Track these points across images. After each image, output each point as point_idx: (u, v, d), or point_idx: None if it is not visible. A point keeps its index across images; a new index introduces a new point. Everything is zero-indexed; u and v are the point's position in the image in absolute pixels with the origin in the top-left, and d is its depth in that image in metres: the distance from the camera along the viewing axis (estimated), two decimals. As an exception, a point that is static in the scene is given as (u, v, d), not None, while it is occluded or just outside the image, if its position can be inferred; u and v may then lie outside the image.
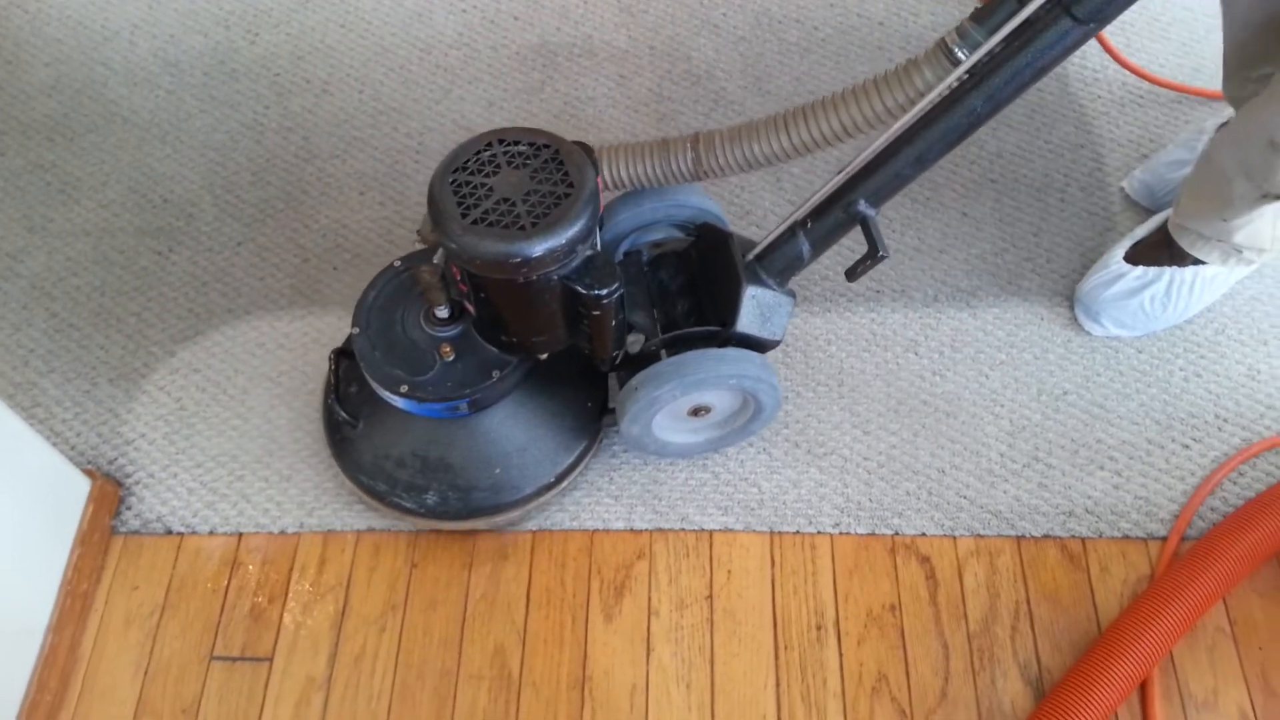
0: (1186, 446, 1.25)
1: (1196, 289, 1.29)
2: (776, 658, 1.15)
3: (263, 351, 1.37)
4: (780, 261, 1.10)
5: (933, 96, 0.95)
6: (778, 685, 1.13)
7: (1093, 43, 1.61)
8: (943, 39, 0.94)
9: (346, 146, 1.56)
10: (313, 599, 1.20)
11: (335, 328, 1.38)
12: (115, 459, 1.30)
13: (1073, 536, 1.20)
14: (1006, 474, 1.24)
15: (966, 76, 0.93)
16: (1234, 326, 1.34)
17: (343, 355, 1.19)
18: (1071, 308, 1.36)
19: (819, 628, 1.16)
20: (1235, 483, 1.23)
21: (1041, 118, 1.54)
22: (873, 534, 1.22)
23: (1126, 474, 1.24)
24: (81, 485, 1.22)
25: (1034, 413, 1.28)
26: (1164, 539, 1.19)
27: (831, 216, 1.04)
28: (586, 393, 1.23)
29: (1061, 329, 1.34)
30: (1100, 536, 1.20)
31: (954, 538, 1.21)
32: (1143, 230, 1.36)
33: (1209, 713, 1.10)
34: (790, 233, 1.08)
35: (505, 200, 0.97)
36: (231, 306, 1.41)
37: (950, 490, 1.24)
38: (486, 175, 0.99)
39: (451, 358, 1.09)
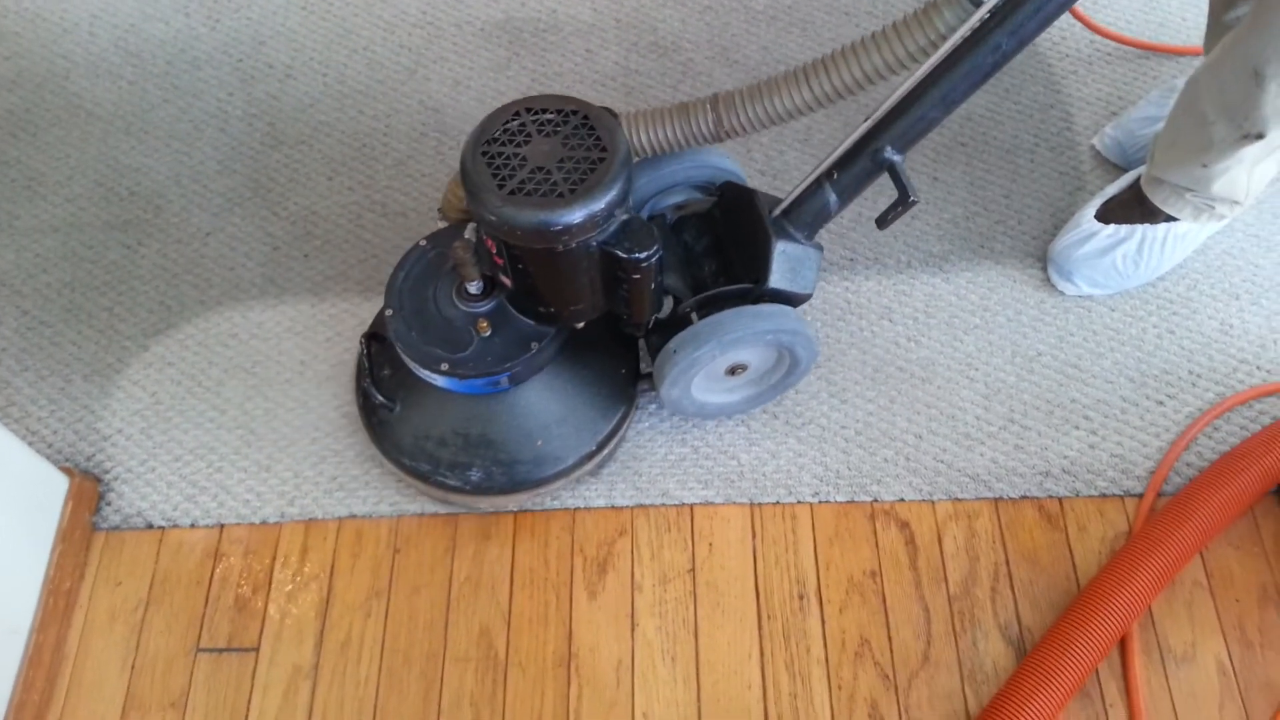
0: (1161, 403, 1.26)
1: (1168, 246, 1.30)
2: (760, 628, 1.16)
3: (236, 342, 1.36)
4: (808, 214, 1.10)
5: (957, 38, 0.94)
6: (762, 655, 1.14)
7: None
8: None
9: (312, 131, 1.54)
10: (297, 588, 1.20)
11: (309, 315, 1.37)
12: (93, 455, 1.29)
13: (1050, 497, 1.21)
14: (983, 437, 1.25)
15: (989, 15, 0.92)
16: (1206, 282, 1.35)
17: (373, 339, 1.18)
18: (1044, 268, 1.36)
19: (801, 596, 1.17)
20: (1210, 438, 1.24)
21: (1010, 79, 1.53)
22: (852, 501, 1.22)
23: (1102, 433, 1.24)
24: (60, 483, 1.22)
25: (1009, 375, 1.29)
26: (1140, 496, 1.20)
27: (858, 165, 1.04)
28: (619, 360, 1.23)
29: (1034, 290, 1.35)
30: (1077, 496, 1.21)
31: (932, 502, 1.22)
32: (1113, 188, 1.36)
33: (1188, 666, 1.11)
34: (816, 184, 1.07)
35: (540, 169, 0.96)
36: (203, 298, 1.40)
37: (927, 455, 1.24)
38: (518, 145, 0.98)
39: (489, 333, 1.09)
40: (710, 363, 1.12)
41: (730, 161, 1.25)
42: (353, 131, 1.54)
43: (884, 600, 1.17)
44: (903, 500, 1.22)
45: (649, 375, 1.21)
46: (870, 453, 1.25)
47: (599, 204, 0.95)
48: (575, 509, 1.23)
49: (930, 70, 0.96)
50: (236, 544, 1.23)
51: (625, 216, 1.00)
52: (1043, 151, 1.47)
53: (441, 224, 1.22)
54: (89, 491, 1.25)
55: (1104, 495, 1.21)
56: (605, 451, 1.21)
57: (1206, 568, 1.17)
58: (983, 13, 0.92)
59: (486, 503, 1.21)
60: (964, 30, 0.93)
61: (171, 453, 1.29)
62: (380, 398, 1.17)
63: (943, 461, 1.24)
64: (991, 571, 1.17)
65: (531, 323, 1.10)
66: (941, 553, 1.19)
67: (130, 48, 1.65)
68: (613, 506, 1.23)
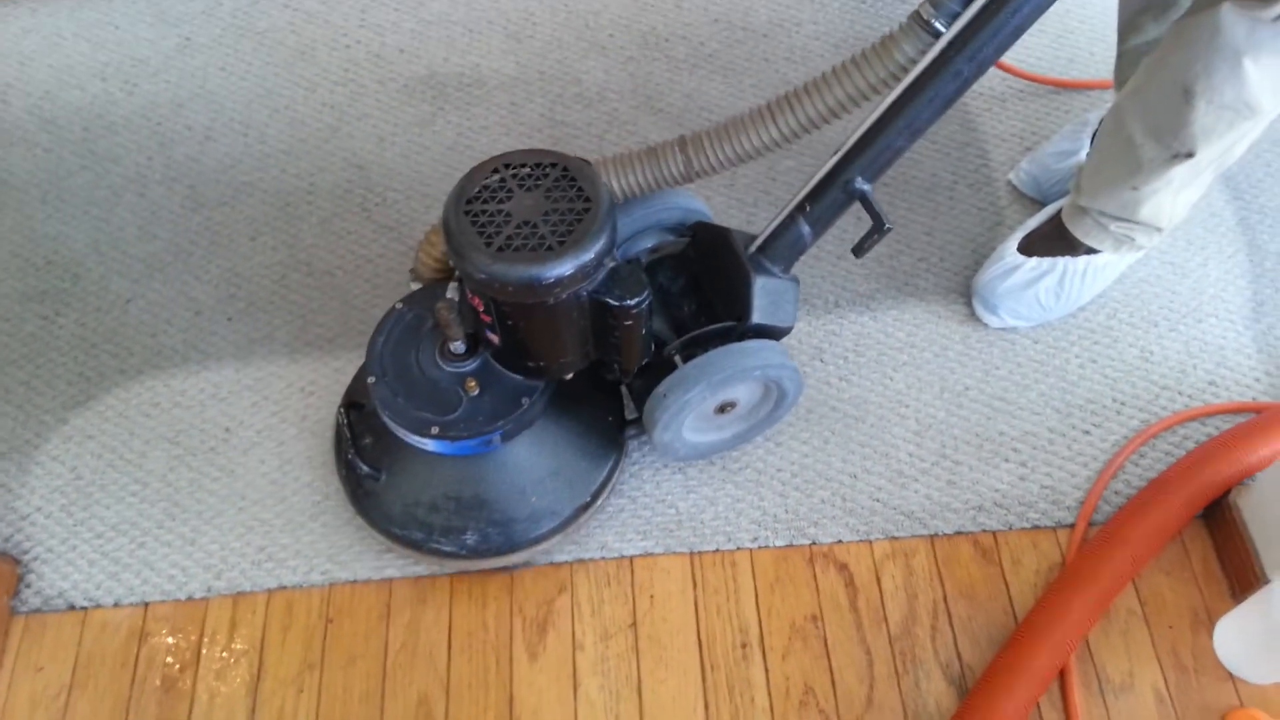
0: (1087, 432, 1.28)
1: (1089, 277, 1.32)
2: (704, 680, 1.14)
3: (158, 411, 1.33)
4: (783, 248, 1.11)
5: (919, 68, 0.96)
6: (706, 708, 1.13)
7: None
8: (916, 11, 0.96)
9: (234, 193, 1.52)
10: (226, 664, 1.16)
11: (233, 380, 1.34)
12: (11, 536, 1.25)
13: (984, 531, 1.22)
14: (916, 474, 1.26)
15: (948, 44, 0.94)
16: (1125, 311, 1.37)
17: (352, 407, 1.16)
18: (968, 303, 1.38)
19: (744, 645, 1.16)
20: (1137, 464, 1.26)
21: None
22: (790, 545, 1.22)
23: (1031, 464, 1.26)
24: (-27, 568, 1.17)
25: (938, 410, 1.30)
26: (1072, 526, 1.21)
27: (830, 196, 1.05)
28: (605, 408, 1.22)
29: (959, 325, 1.37)
30: (1010, 529, 1.22)
31: (869, 542, 1.22)
32: (1034, 221, 1.38)
33: (1126, 695, 1.12)
34: (790, 218, 1.08)
35: (526, 223, 0.96)
36: (123, 367, 1.37)
37: (863, 494, 1.25)
38: (500, 202, 0.97)
39: (476, 391, 1.07)
40: (701, 404, 1.12)
41: (698, 201, 1.26)
42: (276, 191, 1.52)
43: (826, 644, 1.16)
44: (840, 542, 1.22)
45: (634, 421, 1.20)
46: (807, 494, 1.25)
47: (589, 254, 0.95)
48: (513, 569, 1.21)
49: (894, 100, 0.98)
50: (162, 622, 1.19)
51: (612, 264, 1.00)
52: (961, 188, 1.49)
53: (415, 285, 1.20)
54: (7, 574, 1.21)
55: (1036, 527, 1.22)
56: (599, 501, 1.20)
57: (1140, 595, 1.18)
58: (942, 43, 0.94)
59: (484, 565, 1.18)
60: (925, 60, 0.95)
61: (93, 529, 1.25)
62: (366, 468, 1.14)
63: (878, 500, 1.24)
64: (930, 609, 1.17)
65: (519, 378, 1.09)
66: (881, 593, 1.19)
67: (45, 115, 1.62)
68: (551, 563, 1.22)
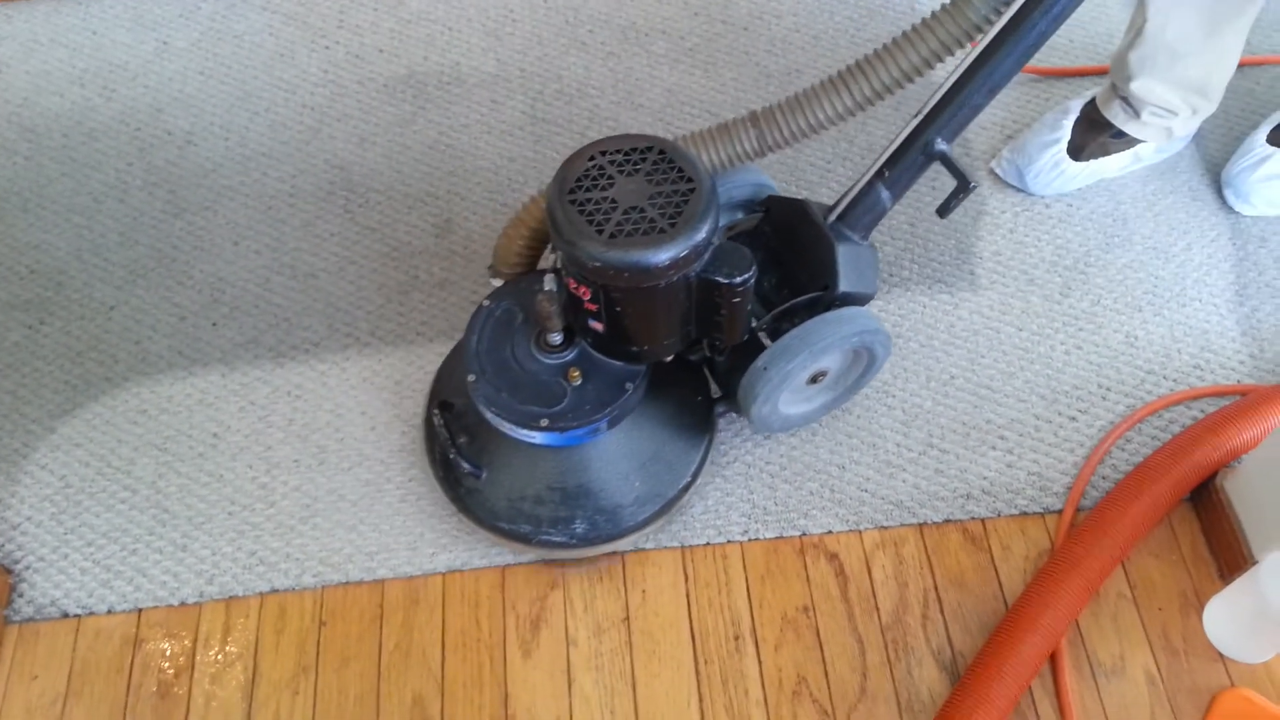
0: (1073, 419, 1.29)
1: None
2: (697, 673, 1.15)
3: (145, 418, 1.32)
4: (864, 215, 1.11)
5: (998, 25, 0.96)
6: (700, 701, 1.13)
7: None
8: None
9: (216, 197, 1.51)
10: (221, 668, 1.16)
11: (219, 385, 1.34)
12: (2, 545, 1.24)
13: (972, 518, 1.23)
14: (904, 463, 1.26)
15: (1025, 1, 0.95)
16: (1109, 296, 1.38)
17: (444, 407, 1.16)
18: (950, 292, 1.38)
19: (736, 638, 1.17)
20: (1123, 449, 1.26)
21: (908, 109, 1.56)
22: (781, 537, 1.22)
23: (1018, 451, 1.26)
24: (-37, 580, 1.17)
25: (924, 399, 1.31)
26: (1060, 512, 1.22)
27: (909, 159, 1.06)
28: (693, 388, 1.22)
29: (944, 315, 1.37)
30: (999, 516, 1.22)
31: (859, 531, 1.22)
32: (1278, 116, 1.44)
33: (1117, 678, 1.13)
34: (869, 185, 1.09)
35: (634, 209, 0.96)
36: (109, 375, 1.36)
37: (851, 485, 1.25)
38: (603, 189, 0.97)
39: (580, 381, 1.07)
40: (801, 373, 1.13)
41: (764, 175, 1.26)
42: (257, 194, 1.52)
43: (818, 635, 1.17)
44: (830, 532, 1.23)
45: (720, 399, 1.21)
46: (796, 487, 1.25)
47: (700, 234, 0.95)
48: (505, 566, 1.21)
49: (974, 60, 0.99)
50: (156, 628, 1.19)
51: (716, 242, 1.00)
52: (944, 178, 1.49)
53: (496, 282, 1.20)
54: (0, 584, 1.21)
55: (1024, 513, 1.23)
56: (698, 481, 1.21)
57: (1129, 579, 1.19)
58: (1018, 3, 0.95)
59: (594, 551, 1.19)
60: (1003, 19, 0.96)
61: (84, 537, 1.25)
62: (468, 466, 1.14)
63: (866, 490, 1.25)
64: (921, 597, 1.18)
65: (618, 364, 1.09)
66: (871, 582, 1.19)
67: (25, 123, 1.60)
68: (543, 561, 1.22)
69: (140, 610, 1.20)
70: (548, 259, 1.25)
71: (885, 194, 1.09)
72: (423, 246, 1.46)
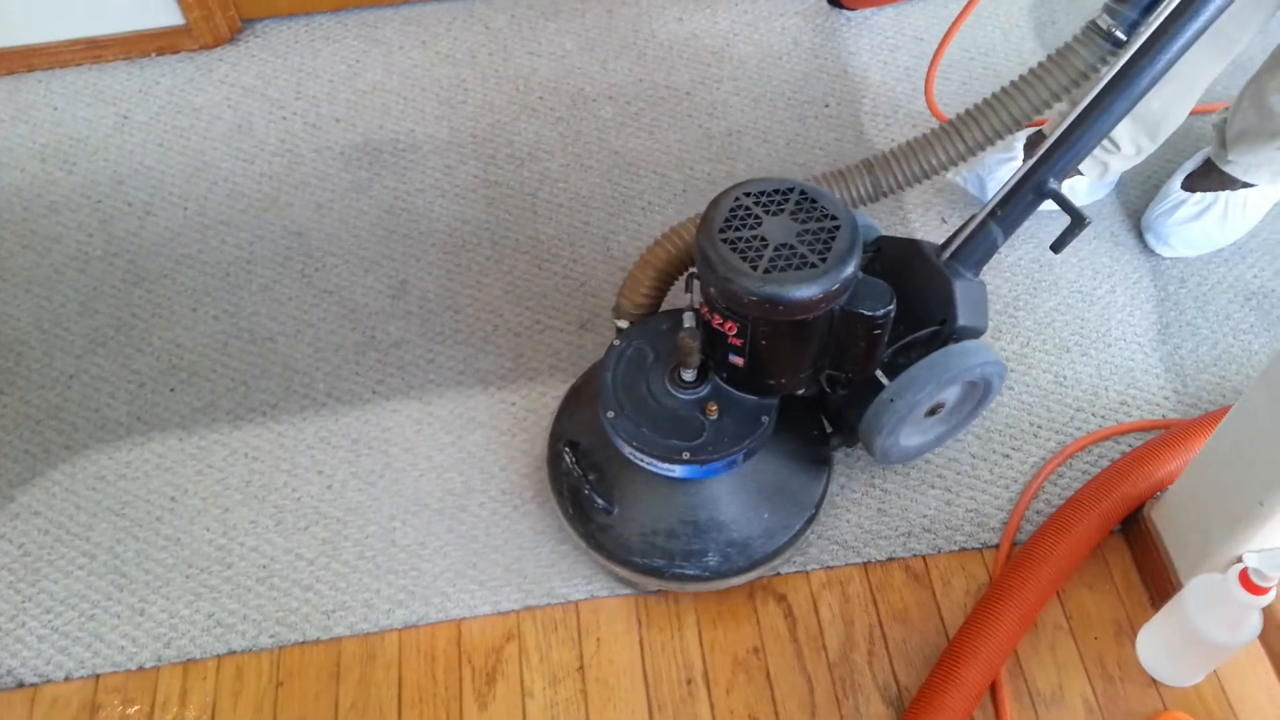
0: (1007, 456, 1.34)
1: (1249, 207, 1.48)
2: (651, 718, 1.17)
3: (104, 484, 1.34)
4: (977, 253, 1.16)
5: (1107, 76, 1.04)
6: (654, 745, 1.15)
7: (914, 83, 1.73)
8: (1094, 21, 1.06)
9: (175, 265, 1.55)
10: (179, 732, 1.17)
11: (177, 450, 1.36)
12: (-43, 617, 1.25)
13: (914, 555, 1.26)
14: (848, 503, 1.30)
15: (1135, 52, 1.02)
16: (1038, 339, 1.44)
17: (572, 445, 1.20)
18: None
19: (689, 681, 1.19)
20: (1055, 484, 1.31)
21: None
22: (731, 581, 1.26)
23: (956, 489, 1.31)
24: (-82, 651, 1.17)
25: (867, 443, 1.35)
26: (997, 546, 1.27)
27: (1023, 199, 1.12)
28: (810, 422, 1.26)
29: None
30: (939, 552, 1.27)
31: (806, 572, 1.26)
32: (1191, 164, 1.52)
33: (1057, 707, 1.16)
34: (982, 224, 1.15)
35: (784, 245, 1.01)
36: (68, 442, 1.38)
37: (798, 528, 1.29)
38: (751, 228, 1.02)
39: (716, 415, 1.11)
40: (926, 404, 1.16)
41: (868, 218, 1.31)
42: (216, 262, 1.55)
43: (768, 675, 1.19)
44: (779, 574, 1.26)
45: (833, 433, 1.25)
46: (744, 531, 1.29)
47: (849, 268, 1.00)
48: (460, 619, 1.24)
49: (1086, 106, 1.06)
50: (114, 693, 1.20)
51: (858, 277, 1.05)
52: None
53: (621, 324, 1.24)
54: (-47, 655, 1.21)
55: (963, 549, 1.27)
56: (819, 513, 1.24)
57: (1065, 610, 1.23)
58: (1130, 52, 1.03)
59: (725, 584, 1.21)
60: (1114, 69, 1.04)
61: (42, 605, 1.26)
62: (602, 501, 1.17)
63: (813, 531, 1.28)
64: (867, 634, 1.21)
65: (752, 398, 1.12)
66: (819, 621, 1.23)
67: (-16, 197, 1.64)
68: (499, 612, 1.24)
69: (98, 676, 1.21)
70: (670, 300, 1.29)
71: (998, 232, 1.16)
72: (379, 308, 1.50)
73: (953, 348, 1.15)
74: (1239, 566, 1.04)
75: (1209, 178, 1.48)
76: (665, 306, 1.27)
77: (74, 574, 1.28)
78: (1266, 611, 1.07)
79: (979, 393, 1.23)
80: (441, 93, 1.75)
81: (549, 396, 1.40)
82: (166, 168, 1.67)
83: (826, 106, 1.71)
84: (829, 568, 1.26)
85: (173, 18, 1.76)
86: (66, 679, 1.21)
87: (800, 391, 1.15)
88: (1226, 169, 1.45)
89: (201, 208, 1.62)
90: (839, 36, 1.80)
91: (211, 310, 1.50)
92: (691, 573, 1.18)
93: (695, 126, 1.69)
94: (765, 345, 1.06)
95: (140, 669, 1.21)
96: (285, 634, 1.22)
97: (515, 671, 1.20)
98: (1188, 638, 1.10)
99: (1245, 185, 1.46)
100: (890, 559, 1.26)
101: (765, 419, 1.12)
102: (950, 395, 1.22)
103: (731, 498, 1.18)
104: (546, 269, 1.54)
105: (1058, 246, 1.12)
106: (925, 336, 1.17)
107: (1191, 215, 1.47)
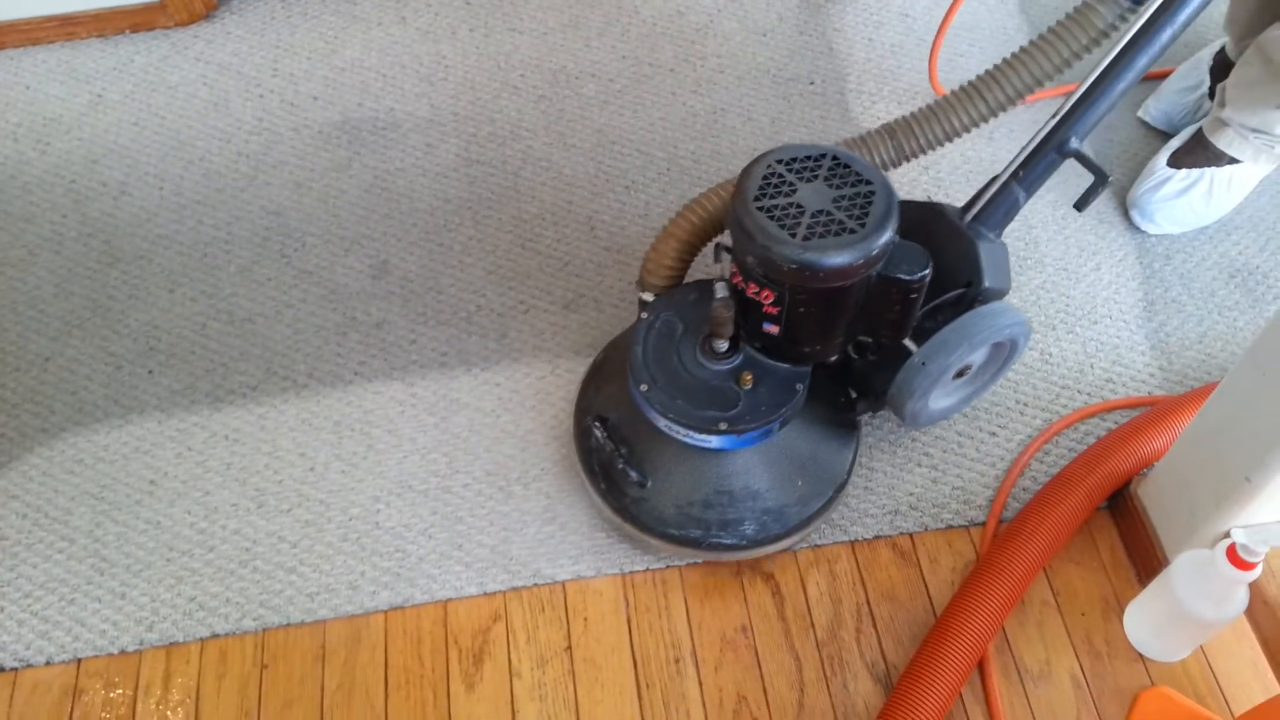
0: (993, 434, 1.34)
1: (1234, 184, 1.48)
2: (640, 697, 1.17)
3: (81, 468, 1.32)
4: (999, 214, 1.16)
5: (1128, 34, 1.03)
6: (643, 724, 1.15)
7: (869, 66, 1.71)
8: None
9: (151, 246, 1.52)
10: (162, 717, 1.16)
11: (156, 432, 1.34)
12: (-66, 603, 1.23)
13: (901, 533, 1.26)
14: (835, 484, 1.30)
15: (1154, 12, 1.01)
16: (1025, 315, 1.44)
17: (601, 420, 1.19)
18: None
19: (677, 660, 1.19)
20: (1041, 461, 1.31)
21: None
22: (718, 559, 1.25)
23: (942, 467, 1.31)
24: (-106, 638, 1.16)
25: (854, 422, 1.35)
26: (983, 524, 1.27)
27: (1045, 159, 1.12)
28: (837, 389, 1.26)
29: (870, 339, 1.42)
30: (926, 530, 1.26)
31: (794, 551, 1.26)
32: (1177, 141, 1.52)
33: (1045, 683, 1.17)
34: (1005, 186, 1.14)
35: (821, 212, 1.00)
36: (45, 426, 1.36)
37: (785, 507, 1.28)
38: (787, 196, 1.01)
39: (751, 384, 1.10)
40: (957, 366, 1.16)
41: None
42: (193, 242, 1.53)
43: (756, 654, 1.19)
44: (812, 545, 1.26)
45: (858, 400, 1.25)
46: (731, 511, 1.28)
47: (887, 233, 0.99)
48: (446, 600, 1.23)
49: (1106, 66, 1.05)
50: (95, 677, 1.19)
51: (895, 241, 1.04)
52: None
53: (646, 296, 1.22)
54: (-70, 642, 1.19)
55: (950, 527, 1.27)
56: (850, 478, 1.24)
57: (1053, 586, 1.23)
58: (1147, 12, 1.02)
59: (761, 552, 1.21)
60: (1133, 28, 1.03)
61: (21, 589, 1.24)
62: (635, 475, 1.16)
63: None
64: (855, 613, 1.21)
65: (785, 366, 1.12)
66: (807, 600, 1.22)
67: (-45, 177, 1.61)
68: (485, 593, 1.23)
69: (79, 660, 1.20)
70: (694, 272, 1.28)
71: (1020, 193, 1.15)
72: (359, 288, 1.48)
73: (981, 309, 1.15)
74: (1226, 542, 1.04)
75: (1194, 154, 1.48)
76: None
77: (53, 558, 1.26)
78: (1253, 587, 1.08)
79: (1004, 353, 1.23)
80: (421, 70, 1.73)
81: (533, 377, 1.39)
82: (141, 147, 1.64)
83: (811, 84, 1.70)
84: (816, 546, 1.26)
85: (147, -7, 1.73)
86: (47, 663, 1.19)
87: (832, 359, 1.15)
88: (1218, 137, 1.45)
89: (178, 187, 1.59)
90: (824, 13, 1.79)
91: (189, 291, 1.48)
92: (729, 542, 1.18)
93: (679, 104, 1.68)
94: (802, 313, 1.05)
95: (122, 653, 1.20)
96: (269, 617, 1.21)
97: (502, 652, 1.20)
98: (1174, 613, 1.11)
99: (1231, 161, 1.46)
100: (877, 537, 1.26)
101: (799, 387, 1.11)
102: (978, 357, 1.22)
103: (765, 466, 1.18)
104: (530, 249, 1.52)
105: (1081, 205, 1.13)
106: (952, 299, 1.17)
107: (1177, 192, 1.47)
